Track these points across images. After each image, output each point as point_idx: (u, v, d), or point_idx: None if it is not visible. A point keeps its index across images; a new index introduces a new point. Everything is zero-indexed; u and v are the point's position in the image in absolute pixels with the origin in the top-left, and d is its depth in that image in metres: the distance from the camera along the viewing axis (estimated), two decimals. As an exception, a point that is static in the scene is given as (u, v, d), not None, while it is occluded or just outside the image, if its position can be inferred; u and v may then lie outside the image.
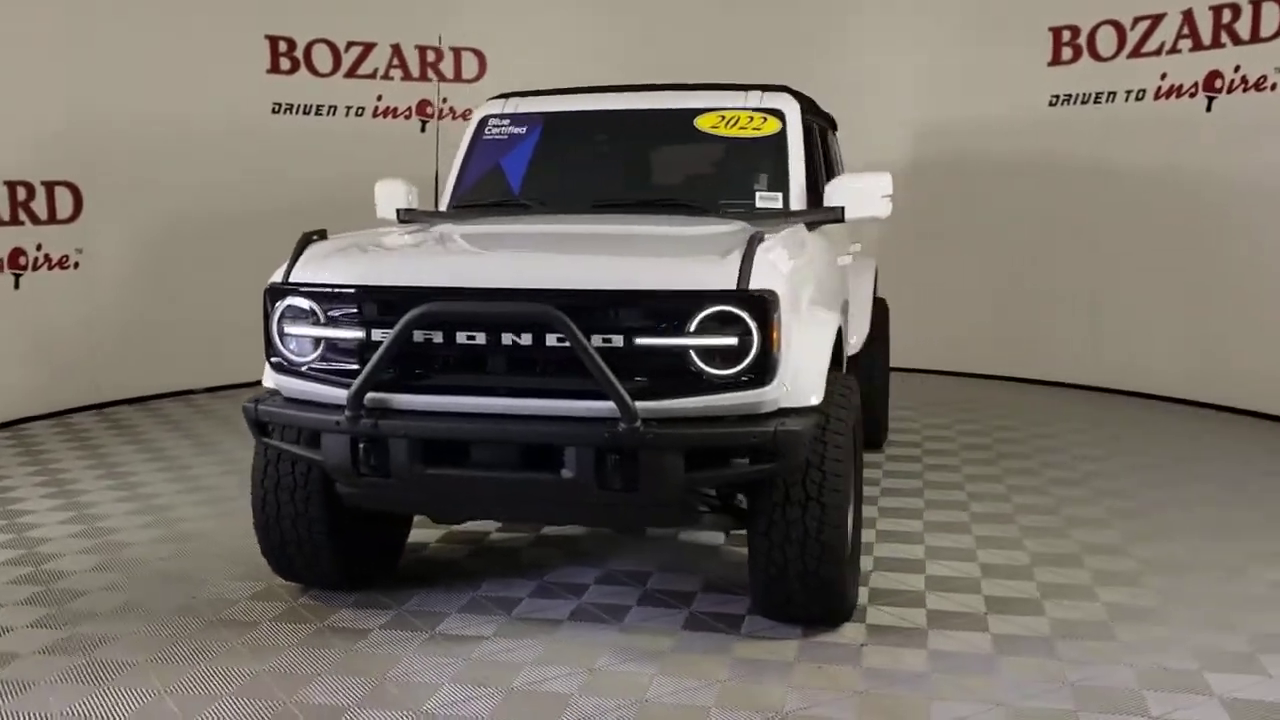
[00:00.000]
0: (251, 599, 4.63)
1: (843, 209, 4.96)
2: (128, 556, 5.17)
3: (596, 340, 3.74)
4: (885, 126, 9.63)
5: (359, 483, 4.03)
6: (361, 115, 9.68)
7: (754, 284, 3.74)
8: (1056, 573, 4.93)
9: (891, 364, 7.47)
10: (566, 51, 9.75)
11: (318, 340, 4.02)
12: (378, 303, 3.94)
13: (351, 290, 3.98)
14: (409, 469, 3.90)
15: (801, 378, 3.96)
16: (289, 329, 4.04)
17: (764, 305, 3.73)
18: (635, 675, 3.91)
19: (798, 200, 5.02)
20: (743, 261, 3.77)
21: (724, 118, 5.19)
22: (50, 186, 8.18)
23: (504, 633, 4.27)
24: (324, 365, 4.02)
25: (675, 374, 3.77)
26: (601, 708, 3.67)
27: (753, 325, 3.73)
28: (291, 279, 4.06)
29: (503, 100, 5.59)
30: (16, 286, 8.00)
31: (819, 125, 5.97)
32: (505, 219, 5.01)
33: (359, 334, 3.93)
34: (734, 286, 3.74)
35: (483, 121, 5.49)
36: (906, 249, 9.39)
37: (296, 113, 9.42)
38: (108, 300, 8.52)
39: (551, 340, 3.76)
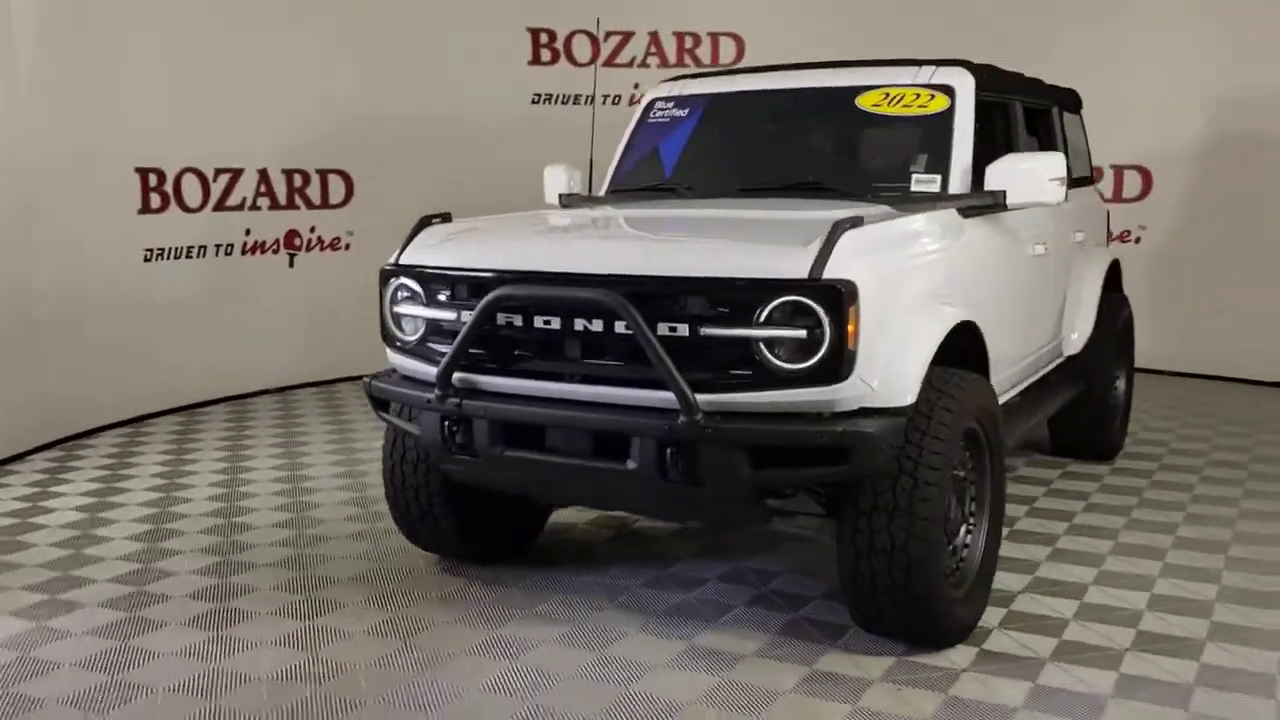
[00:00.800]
0: (391, 567, 4.86)
1: (1003, 193, 4.55)
2: (313, 516, 5.56)
3: (663, 329, 3.63)
4: (1174, 103, 8.71)
5: (450, 460, 4.13)
6: (619, 103, 9.86)
7: (829, 273, 3.50)
8: (1241, 613, 4.30)
9: (1163, 367, 6.74)
10: (824, 31, 9.48)
11: (422, 320, 4.15)
12: (465, 285, 4.01)
13: (445, 273, 4.07)
14: (490, 449, 3.95)
15: (892, 376, 3.66)
16: (399, 309, 4.20)
17: (837, 296, 3.48)
18: (695, 678, 3.77)
19: (959, 183, 4.63)
20: (821, 249, 3.53)
21: (888, 95, 4.88)
22: (324, 174, 8.91)
23: (588, 620, 4.24)
24: (427, 345, 4.14)
25: (742, 367, 3.59)
26: (644, 708, 3.58)
27: (825, 318, 3.49)
28: (401, 261, 4.21)
29: (671, 83, 5.53)
30: (291, 265, 8.79)
31: (1023, 103, 5.49)
32: (648, 203, 4.96)
33: (452, 315, 4.01)
34: (805, 276, 3.51)
35: (650, 105, 5.45)
36: (1190, 239, 8.46)
37: (555, 102, 9.74)
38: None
39: (620, 328, 3.68)
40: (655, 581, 4.64)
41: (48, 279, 6.99)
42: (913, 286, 3.89)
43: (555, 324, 3.82)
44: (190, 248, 8.08)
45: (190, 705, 3.63)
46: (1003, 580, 4.57)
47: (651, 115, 5.40)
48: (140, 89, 7.58)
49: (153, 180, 7.77)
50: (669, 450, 3.62)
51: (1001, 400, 4.91)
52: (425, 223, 4.33)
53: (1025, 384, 5.39)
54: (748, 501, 3.77)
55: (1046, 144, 6.09)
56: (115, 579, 4.73)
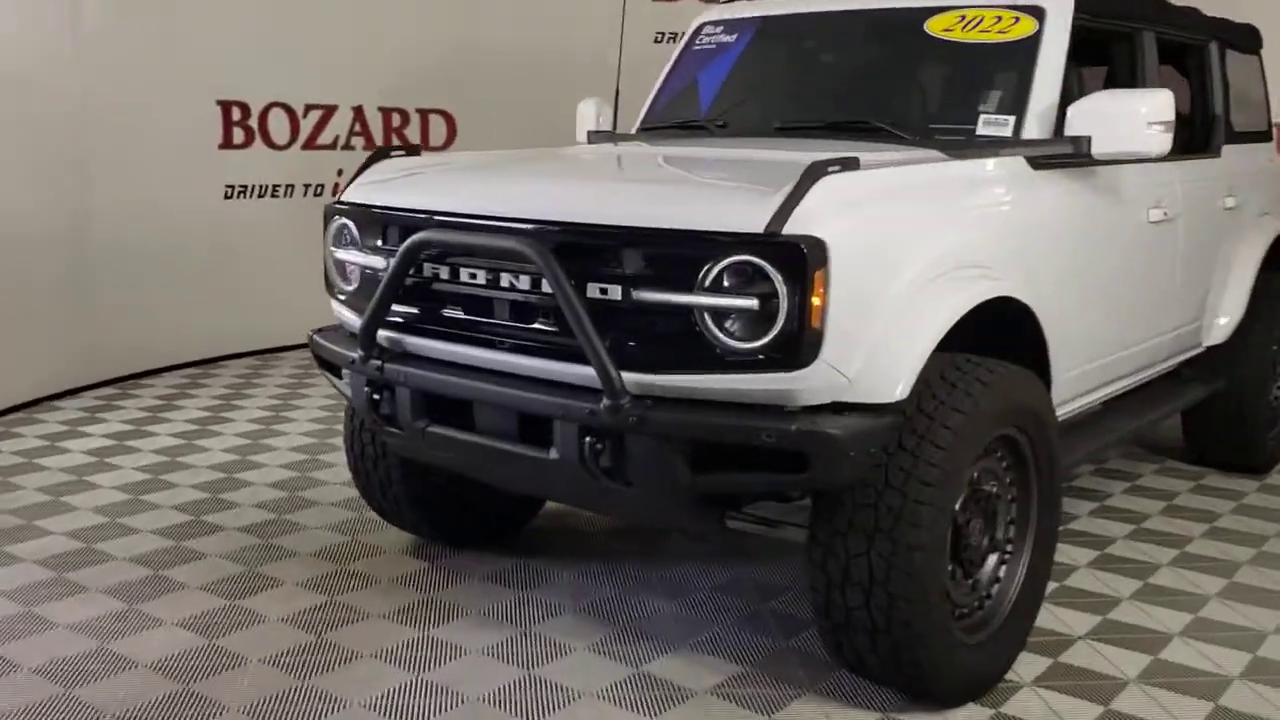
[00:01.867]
0: (359, 545, 4.36)
1: (1087, 139, 3.62)
2: (317, 478, 5.13)
3: (593, 291, 2.94)
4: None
5: (382, 432, 3.57)
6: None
7: (792, 228, 2.73)
8: (1367, 694, 3.31)
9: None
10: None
11: (357, 267, 3.58)
12: (397, 228, 3.41)
13: (380, 213, 3.48)
14: (412, 423, 3.36)
15: (878, 363, 2.87)
16: (341, 253, 3.64)
17: (799, 258, 2.71)
18: (614, 718, 3.11)
19: (1039, 128, 3.71)
20: (787, 198, 2.76)
21: (963, 19, 3.98)
22: (425, 114, 8.48)
23: (535, 628, 3.62)
24: (363, 296, 3.57)
25: (683, 343, 2.86)
26: (547, 748, 2.94)
27: (781, 285, 2.73)
28: (343, 199, 3.65)
29: (724, 5, 4.75)
30: (385, 208, 8.40)
31: (1158, 35, 4.46)
32: (667, 142, 4.24)
33: (383, 263, 3.42)
34: (760, 230, 2.75)
35: (697, 30, 4.69)
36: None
37: (664, 41, 9.02)
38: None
39: (549, 287, 3.01)
40: (638, 585, 3.97)
41: (121, 213, 6.79)
42: (927, 250, 3.06)
43: (481, 278, 3.18)
44: (276, 186, 7.79)
45: (42, 691, 3.21)
46: (1065, 619, 3.71)
47: (697, 42, 4.65)
48: (222, 17, 7.28)
49: (236, 114, 7.49)
50: (590, 440, 2.95)
51: (1083, 400, 4.01)
52: (379, 156, 3.75)
53: (1127, 380, 4.40)
54: (691, 509, 3.05)
55: (1199, 90, 5.03)
56: (72, 532, 4.40)
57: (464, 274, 3.21)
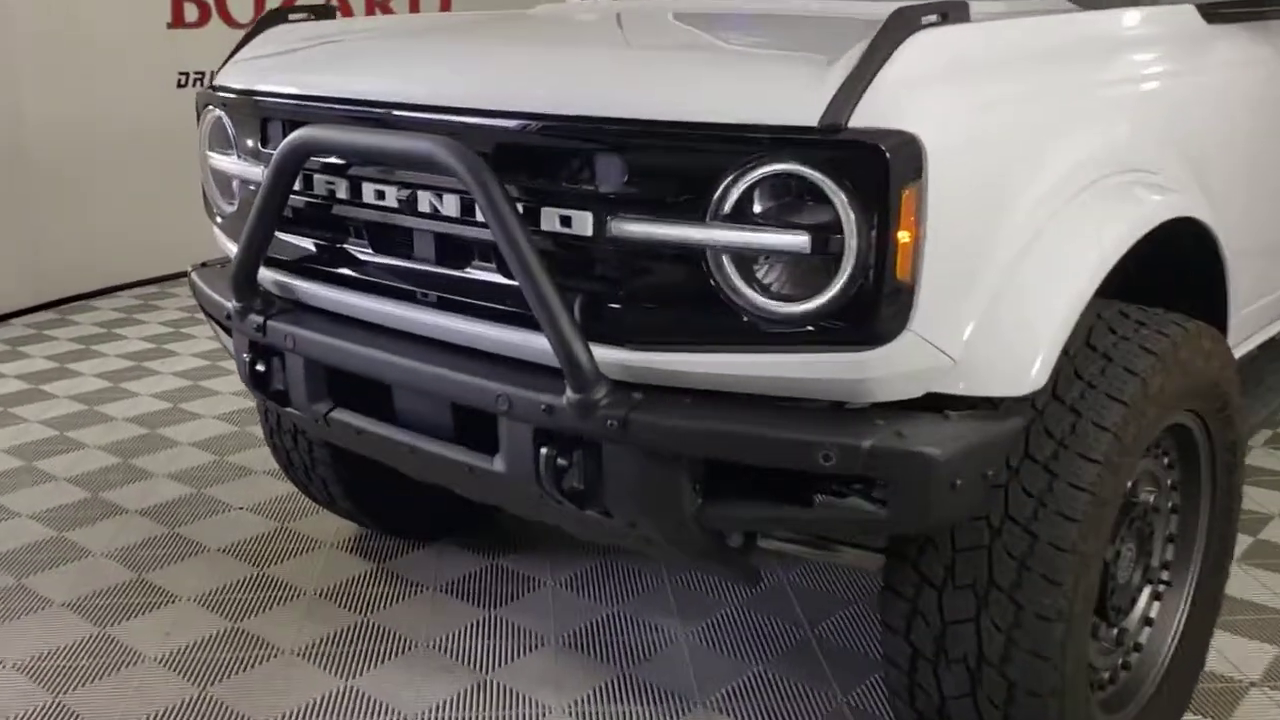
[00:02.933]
0: (294, 533, 3.40)
1: (1289, -16, 2.49)
2: (256, 434, 4.16)
3: (550, 220, 1.89)
4: None
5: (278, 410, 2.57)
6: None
7: (865, 119, 1.66)
8: None
9: None
10: None
11: (238, 180, 2.54)
12: (278, 122, 2.35)
13: (256, 102, 2.43)
14: (308, 405, 2.35)
15: (997, 333, 1.81)
16: (217, 160, 2.59)
17: (877, 167, 1.64)
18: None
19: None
20: (854, 71, 1.68)
21: None
22: (413, -16, 7.33)
23: (481, 667, 2.66)
24: (245, 221, 2.52)
25: (691, 304, 1.82)
26: None
27: (846, 209, 1.67)
28: (218, 82, 2.59)
29: None
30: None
31: None
32: None
33: (258, 171, 2.38)
34: (813, 122, 1.68)
35: None
36: None
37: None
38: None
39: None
40: (644, 599, 2.98)
41: (54, 111, 5.75)
42: (1070, 150, 1.97)
43: (392, 199, 2.12)
44: (239, 72, 6.69)
45: None
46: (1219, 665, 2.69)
47: None
48: None
49: (187, -14, 6.38)
50: (548, 451, 1.92)
51: (1246, 346, 2.93)
52: (271, 20, 2.66)
53: None
54: (703, 547, 2.02)
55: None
56: (-68, 515, 3.47)
57: (369, 193, 2.16)
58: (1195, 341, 2.08)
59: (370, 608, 2.95)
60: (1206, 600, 2.40)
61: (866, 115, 1.66)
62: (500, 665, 2.70)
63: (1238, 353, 2.82)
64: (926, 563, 1.94)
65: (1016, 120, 1.89)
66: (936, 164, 1.67)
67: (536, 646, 2.78)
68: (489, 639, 2.81)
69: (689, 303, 1.82)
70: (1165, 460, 2.26)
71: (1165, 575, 2.36)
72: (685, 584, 3.05)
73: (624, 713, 2.52)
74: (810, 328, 1.73)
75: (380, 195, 2.13)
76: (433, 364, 2.07)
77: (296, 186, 2.25)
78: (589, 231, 1.85)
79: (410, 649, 2.76)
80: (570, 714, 2.51)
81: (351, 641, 2.79)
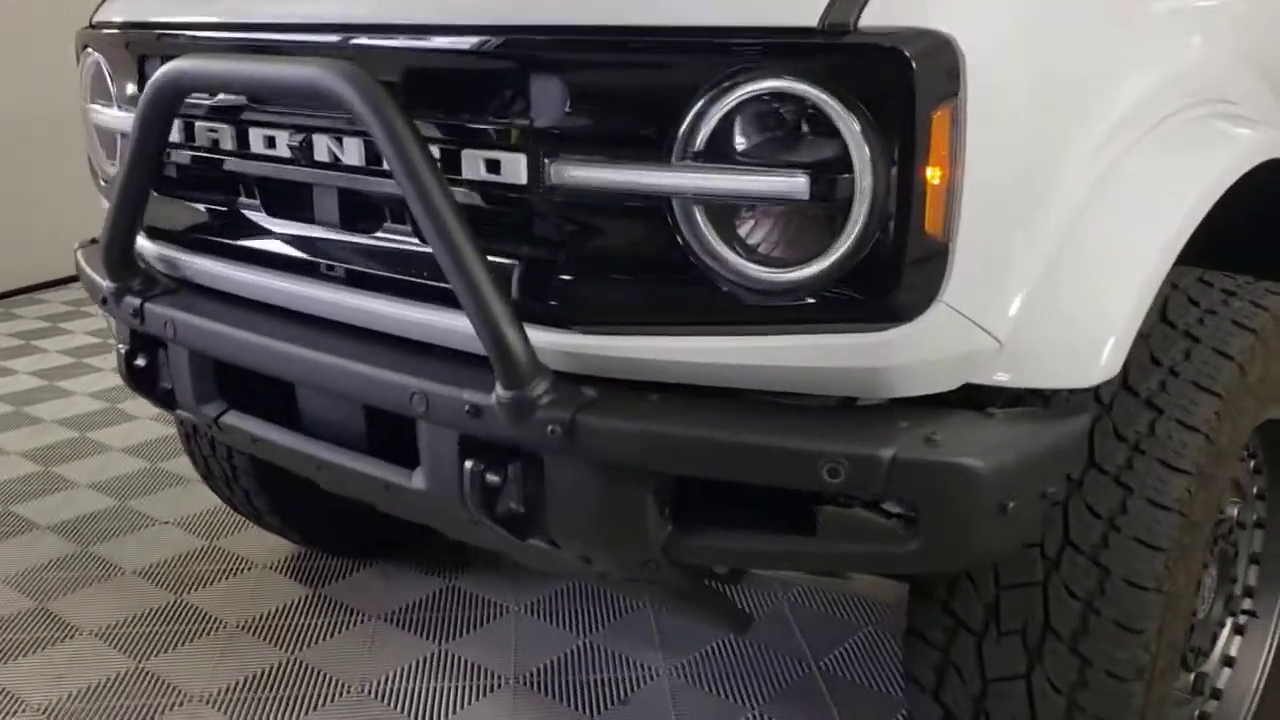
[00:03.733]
0: (226, 552, 2.98)
1: None
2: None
3: (473, 166, 1.46)
4: None
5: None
6: None
7: (879, 17, 1.23)
8: None
9: None
10: None
11: (119, 136, 2.11)
12: (156, 60, 1.92)
13: (135, 38, 1.99)
14: (195, 405, 1.92)
15: (1056, 308, 1.38)
16: (97, 111, 2.16)
17: (903, 82, 1.21)
18: None
19: None
20: (864, -45, 1.25)
21: None
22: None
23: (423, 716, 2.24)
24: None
25: (656, 272, 1.39)
26: None
27: (856, 139, 1.24)
28: (96, 17, 2.15)
29: None
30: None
31: None
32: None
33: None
34: (812, 23, 1.25)
35: None
36: None
37: None
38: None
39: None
40: (619, 625, 2.56)
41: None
42: (1140, 74, 1.54)
43: (282, 147, 1.69)
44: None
45: None
46: None
47: None
48: None
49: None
50: (474, 466, 1.49)
51: None
52: (163, -55, 2.22)
53: None
54: (677, 586, 1.59)
55: None
56: None
57: (257, 140, 1.73)
58: (1296, 314, 1.65)
59: (299, 643, 2.52)
60: (1294, 639, 1.98)
61: (883, 12, 1.23)
62: (447, 713, 2.27)
63: None
64: (961, 602, 1.51)
65: (1078, 26, 1.45)
66: (978, 77, 1.24)
67: (493, 689, 2.35)
68: (436, 679, 2.38)
69: (653, 270, 1.39)
70: (1251, 464, 1.84)
71: (1248, 604, 1.93)
72: (672, 635, 2.63)
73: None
74: (811, 301, 1.30)
75: (270, 143, 1.70)
76: (336, 355, 1.63)
77: (177, 138, 1.83)
78: (522, 179, 1.42)
79: (341, 694, 2.34)
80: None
81: (272, 686, 2.37)
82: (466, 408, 1.45)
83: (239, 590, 2.75)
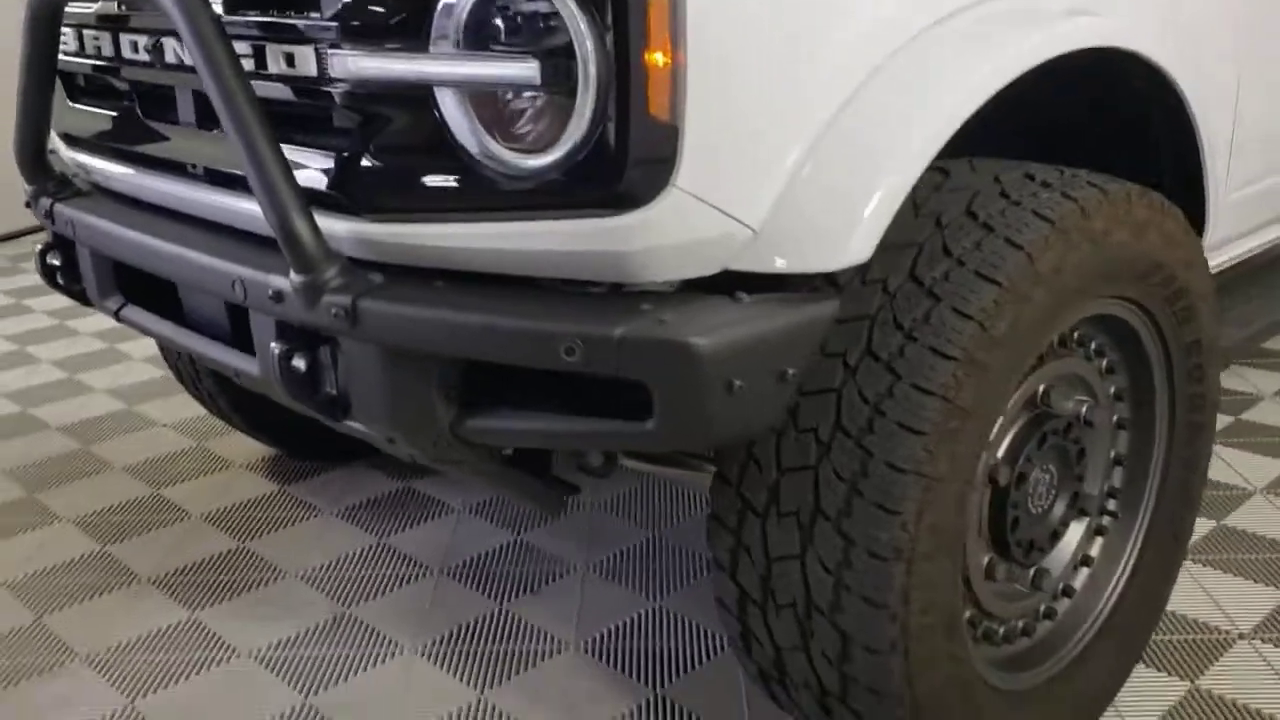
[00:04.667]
0: (203, 454, 3.17)
1: None
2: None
3: (275, 60, 1.54)
4: None
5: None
6: None
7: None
8: None
9: None
10: None
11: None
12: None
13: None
14: (101, 300, 2.07)
15: (811, 200, 1.41)
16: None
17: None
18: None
19: None
20: None
21: None
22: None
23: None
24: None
25: (430, 160, 1.45)
26: None
27: (579, 22, 1.28)
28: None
29: None
30: None
31: None
32: None
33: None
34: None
35: None
36: None
37: None
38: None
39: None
40: (555, 532, 2.65)
41: None
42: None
43: (141, 50, 1.79)
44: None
45: None
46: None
47: None
48: None
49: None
50: (279, 348, 1.59)
51: (1256, 242, 2.46)
52: None
53: None
54: (490, 469, 1.67)
55: None
56: None
57: (125, 45, 1.84)
58: (1120, 209, 1.63)
59: (250, 534, 2.69)
60: (1166, 536, 1.96)
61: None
62: (367, 599, 2.41)
63: (1234, 250, 2.36)
64: (749, 485, 1.56)
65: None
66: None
67: (417, 578, 2.48)
68: (366, 567, 2.52)
69: (427, 158, 1.45)
70: (1101, 363, 1.82)
71: (1111, 505, 1.93)
72: (608, 508, 2.71)
73: (487, 652, 2.21)
74: (554, 186, 1.36)
75: (135, 48, 1.80)
76: (187, 248, 1.75)
77: (73, 47, 1.95)
78: (312, 71, 1.49)
79: (276, 580, 2.49)
80: (424, 654, 2.21)
81: (214, 570, 2.53)
82: (270, 292, 1.55)
83: (210, 487, 2.92)
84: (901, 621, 1.48)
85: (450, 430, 1.52)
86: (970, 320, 1.45)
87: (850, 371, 1.48)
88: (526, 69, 1.31)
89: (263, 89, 1.53)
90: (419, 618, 2.33)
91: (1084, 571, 1.92)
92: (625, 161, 1.31)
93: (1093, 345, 1.79)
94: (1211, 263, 2.35)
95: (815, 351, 1.44)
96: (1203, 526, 2.58)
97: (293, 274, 1.49)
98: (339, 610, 2.37)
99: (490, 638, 2.25)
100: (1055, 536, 1.82)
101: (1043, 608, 1.86)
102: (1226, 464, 2.87)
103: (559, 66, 1.30)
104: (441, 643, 2.24)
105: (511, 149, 1.38)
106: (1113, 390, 1.86)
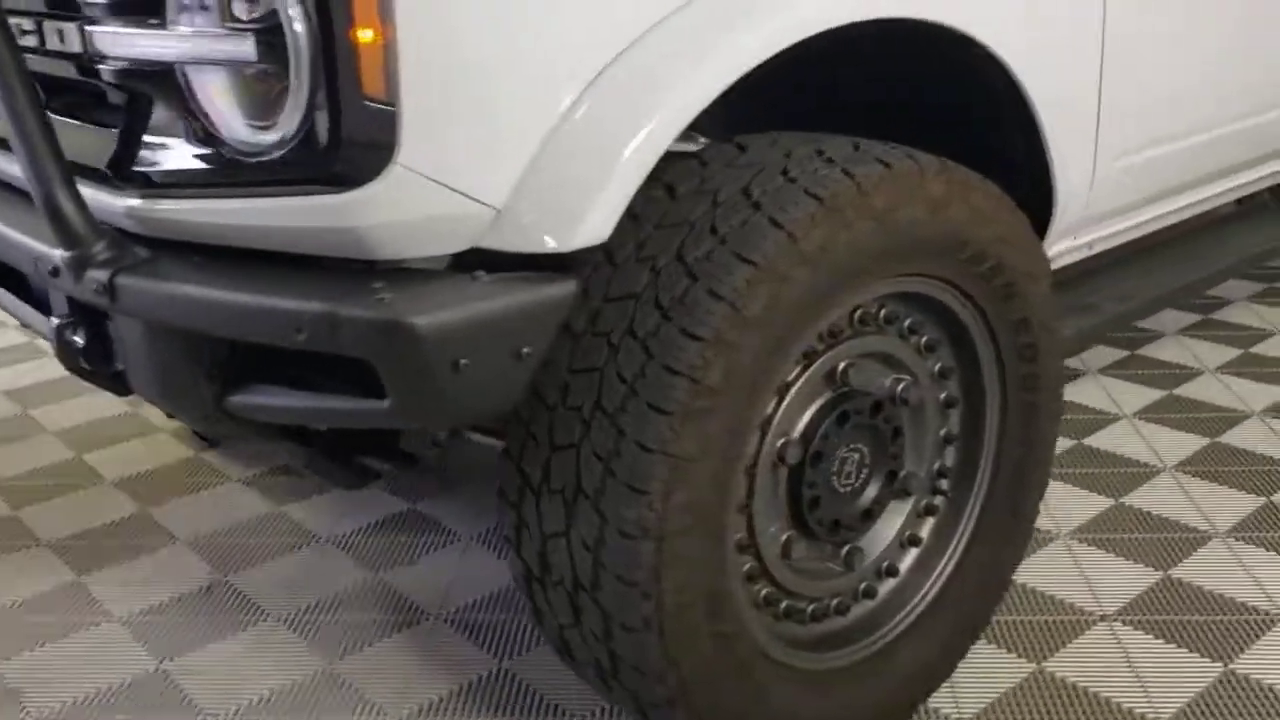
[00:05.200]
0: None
1: None
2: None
3: (51, 36, 1.56)
4: None
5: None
6: None
7: None
8: None
9: None
10: None
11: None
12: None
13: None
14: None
15: (553, 179, 1.40)
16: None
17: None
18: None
19: None
20: None
21: None
22: None
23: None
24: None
25: (183, 135, 1.47)
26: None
27: None
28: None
29: None
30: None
31: None
32: None
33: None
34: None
35: None
36: None
37: None
38: None
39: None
40: (446, 500, 2.68)
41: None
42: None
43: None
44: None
45: None
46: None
47: None
48: None
49: None
50: (59, 321, 1.62)
51: (1126, 223, 2.40)
52: None
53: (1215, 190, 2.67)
54: (250, 434, 1.70)
55: None
56: None
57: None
58: (909, 184, 1.59)
59: (153, 501, 2.74)
60: (1003, 516, 1.93)
61: None
62: (247, 567, 2.45)
63: (1131, 220, 2.30)
64: (528, 460, 1.56)
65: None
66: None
67: (303, 547, 2.52)
68: (252, 537, 2.56)
69: (181, 134, 1.47)
70: (918, 340, 1.79)
71: (943, 484, 1.90)
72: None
73: (347, 621, 2.24)
74: (283, 163, 1.36)
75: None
76: (3, 224, 1.78)
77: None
78: (78, 47, 1.51)
79: (170, 544, 2.55)
80: (288, 624, 2.25)
81: (115, 535, 2.59)
82: (50, 267, 1.57)
83: (134, 450, 2.98)
84: (655, 599, 1.48)
85: (215, 405, 1.54)
86: (722, 301, 1.43)
87: (613, 351, 1.47)
88: (243, 46, 1.32)
89: (45, 65, 1.56)
90: (290, 588, 2.37)
91: (911, 551, 1.89)
92: (341, 139, 1.31)
93: (905, 323, 1.76)
94: (1099, 235, 2.31)
95: (556, 331, 1.44)
96: (1097, 504, 2.53)
97: (60, 248, 1.51)
98: (216, 578, 2.41)
99: (354, 607, 2.29)
100: (869, 516, 1.80)
101: (862, 586, 1.84)
102: (1144, 440, 2.81)
103: (275, 43, 1.30)
104: (307, 611, 2.28)
105: (249, 125, 1.39)
106: (937, 368, 1.83)
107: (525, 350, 1.40)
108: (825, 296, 1.54)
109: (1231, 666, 1.99)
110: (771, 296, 1.46)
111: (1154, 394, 3.05)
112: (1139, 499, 2.56)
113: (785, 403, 1.63)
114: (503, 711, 1.97)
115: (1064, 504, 2.53)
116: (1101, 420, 2.91)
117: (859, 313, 1.67)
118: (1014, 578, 2.02)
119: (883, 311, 1.71)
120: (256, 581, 2.39)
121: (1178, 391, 3.07)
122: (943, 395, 1.85)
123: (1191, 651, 2.04)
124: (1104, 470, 2.67)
